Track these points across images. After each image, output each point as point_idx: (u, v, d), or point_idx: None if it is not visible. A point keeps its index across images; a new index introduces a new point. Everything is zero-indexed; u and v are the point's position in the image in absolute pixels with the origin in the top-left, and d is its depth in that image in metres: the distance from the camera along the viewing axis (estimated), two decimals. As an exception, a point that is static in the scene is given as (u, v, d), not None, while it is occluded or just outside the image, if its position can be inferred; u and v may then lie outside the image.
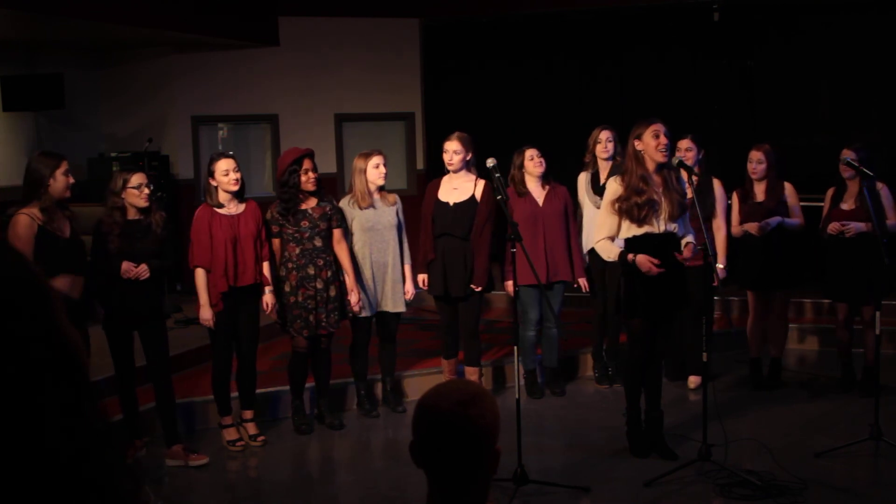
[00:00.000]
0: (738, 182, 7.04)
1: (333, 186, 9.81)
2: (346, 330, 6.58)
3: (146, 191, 5.54)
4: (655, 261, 5.33)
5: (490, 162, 5.52)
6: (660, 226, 5.42)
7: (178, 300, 8.70)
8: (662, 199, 5.43)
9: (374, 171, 6.36)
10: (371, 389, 6.83)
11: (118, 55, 10.40)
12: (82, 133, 10.16)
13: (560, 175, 7.08)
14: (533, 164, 6.75)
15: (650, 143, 5.41)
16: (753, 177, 6.86)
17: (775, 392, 6.97)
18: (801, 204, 7.00)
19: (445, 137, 6.61)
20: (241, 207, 5.95)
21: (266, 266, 6.01)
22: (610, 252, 5.49)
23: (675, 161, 5.89)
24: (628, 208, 5.39)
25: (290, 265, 6.13)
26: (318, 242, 6.15)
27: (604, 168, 6.91)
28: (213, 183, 5.88)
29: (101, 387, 5.95)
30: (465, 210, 6.48)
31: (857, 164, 6.19)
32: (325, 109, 10.56)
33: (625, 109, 9.71)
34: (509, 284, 6.51)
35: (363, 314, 6.42)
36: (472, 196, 6.49)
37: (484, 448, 1.85)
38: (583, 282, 6.89)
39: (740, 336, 7.35)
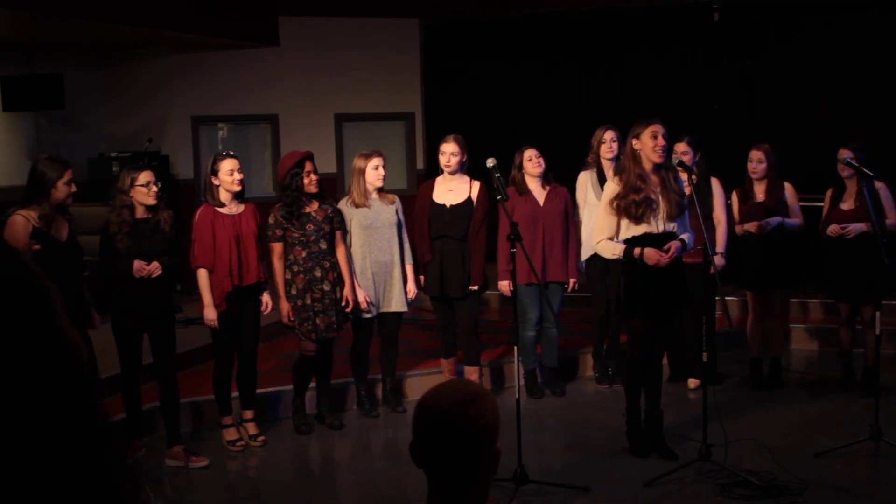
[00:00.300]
0: (738, 182, 7.04)
1: (333, 187, 9.82)
2: (347, 331, 6.58)
3: (154, 188, 5.53)
4: (663, 254, 5.33)
5: (490, 162, 5.53)
6: (658, 225, 5.43)
7: (178, 300, 8.70)
8: (660, 198, 5.43)
9: (373, 172, 6.36)
10: (371, 390, 6.83)
11: (118, 55, 10.40)
12: (82, 133, 10.17)
13: (560, 175, 7.08)
14: (531, 164, 6.76)
15: (648, 144, 5.42)
16: (753, 176, 6.87)
17: (775, 392, 6.97)
18: (801, 204, 7.00)
19: (441, 139, 6.63)
20: (241, 207, 5.95)
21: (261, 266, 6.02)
22: (613, 250, 5.47)
23: (674, 161, 5.90)
24: (626, 206, 5.40)
25: (295, 268, 6.13)
26: (323, 245, 6.15)
27: (608, 168, 6.91)
28: (216, 182, 5.88)
29: (102, 386, 5.94)
30: (463, 212, 6.50)
31: (856, 164, 6.19)
32: (325, 109, 10.56)
33: (625, 109, 9.71)
34: (504, 284, 6.51)
35: (366, 315, 6.42)
36: (469, 198, 6.52)
37: (484, 448, 1.85)
38: (573, 282, 6.90)
39: (740, 336, 7.35)
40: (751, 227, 6.78)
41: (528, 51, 10.89)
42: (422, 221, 6.58)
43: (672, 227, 5.46)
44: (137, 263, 5.43)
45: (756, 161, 6.82)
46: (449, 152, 6.50)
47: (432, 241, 6.55)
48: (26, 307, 0.99)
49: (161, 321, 5.66)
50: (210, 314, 5.81)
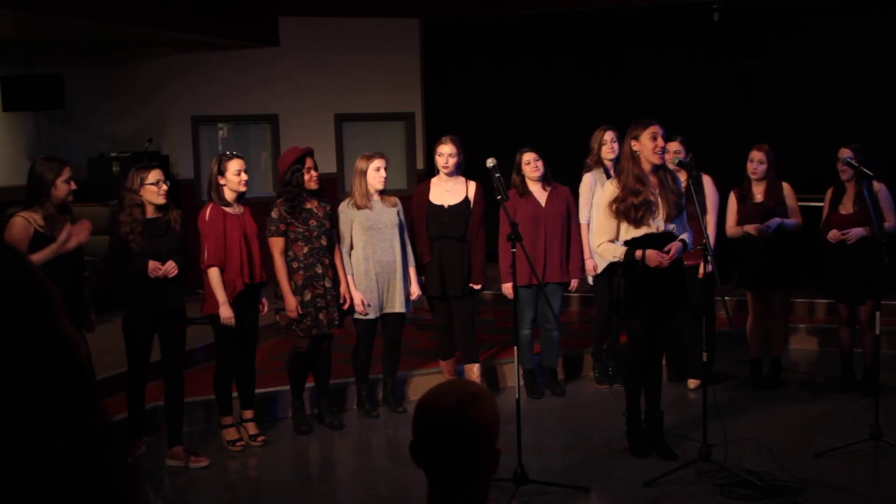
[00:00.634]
0: (738, 182, 7.03)
1: (333, 186, 9.82)
2: (348, 330, 6.59)
3: (164, 187, 5.52)
4: (664, 254, 5.33)
5: (490, 162, 5.52)
6: (658, 226, 5.43)
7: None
8: (659, 199, 5.43)
9: (375, 174, 6.35)
10: (372, 390, 6.82)
11: (118, 55, 10.41)
12: (82, 133, 10.17)
13: (560, 175, 7.08)
14: (530, 168, 6.76)
15: (647, 146, 5.41)
16: (754, 177, 6.86)
17: (775, 392, 6.97)
18: (801, 204, 7.00)
19: (437, 140, 6.64)
20: (242, 208, 5.96)
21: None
22: (615, 251, 5.47)
23: (674, 161, 5.90)
24: (625, 209, 5.39)
25: (295, 265, 6.12)
26: (323, 242, 6.16)
27: (612, 168, 6.90)
28: (222, 182, 5.87)
29: (103, 386, 5.94)
30: (461, 212, 6.52)
31: (856, 164, 6.18)
32: (325, 109, 10.57)
33: (625, 109, 9.71)
34: (508, 286, 6.51)
35: (369, 316, 6.41)
36: (466, 198, 6.54)
37: (484, 448, 1.85)
38: (575, 282, 6.90)
39: (740, 336, 7.35)
40: (750, 229, 6.77)
41: (528, 51, 10.89)
42: (420, 222, 6.59)
43: (671, 227, 5.47)
44: (153, 264, 5.41)
45: (757, 161, 6.81)
46: (447, 153, 6.50)
47: (431, 241, 6.56)
48: (26, 307, 0.99)
49: (174, 321, 5.66)
50: (226, 312, 5.78)
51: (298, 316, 6.08)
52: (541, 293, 6.52)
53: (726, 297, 5.88)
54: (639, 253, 5.36)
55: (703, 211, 6.45)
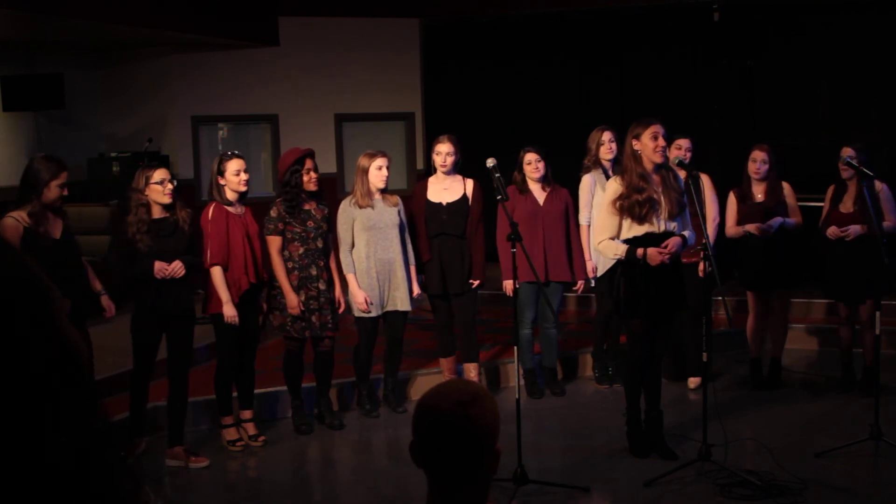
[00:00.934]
0: (738, 182, 7.03)
1: (333, 186, 9.83)
2: (349, 330, 6.58)
3: (170, 186, 5.50)
4: (664, 250, 5.33)
5: (490, 162, 5.52)
6: (660, 225, 5.43)
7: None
8: (662, 197, 5.44)
9: (377, 172, 6.35)
10: (372, 389, 6.82)
11: (118, 55, 10.41)
12: (82, 133, 10.17)
13: (560, 175, 7.08)
14: (531, 168, 6.77)
15: (648, 145, 5.42)
16: (755, 177, 6.85)
17: (775, 392, 6.97)
18: (801, 204, 7.00)
19: (435, 139, 6.65)
20: (243, 208, 5.96)
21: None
22: (616, 249, 5.47)
23: (674, 160, 5.90)
24: (630, 206, 5.40)
25: (290, 265, 6.12)
26: (319, 244, 6.16)
27: (609, 169, 6.90)
28: (222, 182, 5.87)
29: (103, 386, 5.93)
30: (459, 209, 6.53)
31: (856, 164, 6.18)
32: (325, 109, 10.57)
33: (625, 109, 9.71)
34: (508, 284, 6.51)
35: (371, 314, 6.41)
36: (464, 195, 6.55)
37: (484, 448, 1.85)
38: (581, 283, 6.90)
39: (740, 336, 7.35)
40: (752, 228, 6.76)
41: (528, 51, 10.90)
42: (419, 221, 6.60)
43: (673, 226, 5.47)
44: (159, 265, 5.40)
45: (760, 161, 6.80)
46: (444, 152, 6.52)
47: (430, 239, 6.57)
48: (26, 307, 0.99)
49: (182, 321, 5.65)
50: (230, 311, 5.76)
51: (290, 317, 6.08)
52: (541, 292, 6.53)
53: (726, 297, 5.88)
54: (640, 251, 5.36)
55: (703, 210, 6.45)
